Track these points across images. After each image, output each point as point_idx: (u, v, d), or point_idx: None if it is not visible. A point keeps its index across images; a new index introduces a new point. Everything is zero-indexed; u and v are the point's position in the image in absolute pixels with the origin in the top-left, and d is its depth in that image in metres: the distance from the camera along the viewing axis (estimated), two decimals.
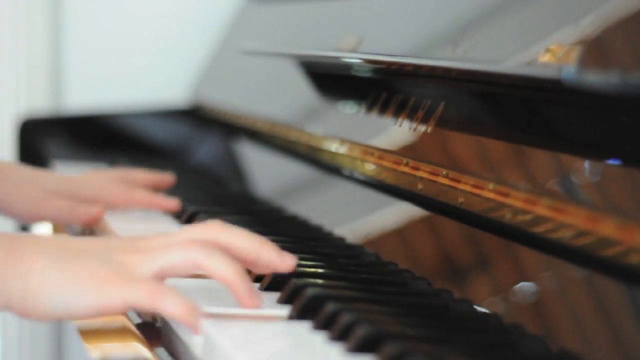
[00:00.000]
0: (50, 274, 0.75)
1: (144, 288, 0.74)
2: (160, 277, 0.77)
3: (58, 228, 1.27)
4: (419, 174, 0.93)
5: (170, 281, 0.79)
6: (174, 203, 1.17)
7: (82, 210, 1.12)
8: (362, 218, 1.06)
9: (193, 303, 0.74)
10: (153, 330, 0.84)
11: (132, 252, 0.77)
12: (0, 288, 0.75)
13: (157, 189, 1.24)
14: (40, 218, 1.14)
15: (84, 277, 0.75)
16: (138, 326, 0.83)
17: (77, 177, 1.21)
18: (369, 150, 1.05)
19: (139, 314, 0.87)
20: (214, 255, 0.76)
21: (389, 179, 1.00)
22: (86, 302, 0.75)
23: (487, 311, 0.79)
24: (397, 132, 1.01)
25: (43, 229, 1.33)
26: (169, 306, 0.73)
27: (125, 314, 0.82)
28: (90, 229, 1.18)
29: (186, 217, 1.13)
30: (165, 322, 0.82)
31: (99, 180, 1.20)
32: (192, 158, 1.68)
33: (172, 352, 0.81)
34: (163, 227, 1.12)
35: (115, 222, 1.12)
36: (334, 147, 1.14)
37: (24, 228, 1.53)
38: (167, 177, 1.27)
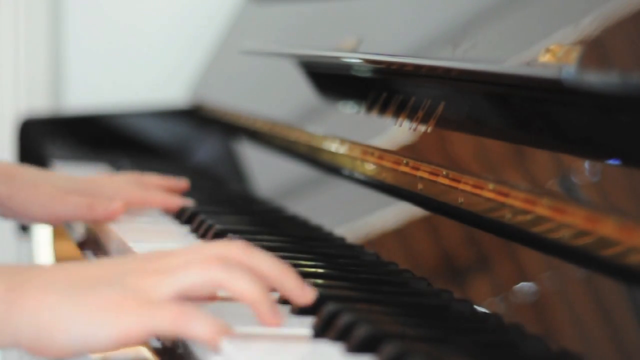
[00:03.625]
0: (62, 308, 0.69)
1: (166, 312, 0.68)
2: (181, 298, 0.71)
3: (58, 231, 1.26)
4: (419, 174, 0.93)
5: None
6: (190, 202, 1.16)
7: (101, 205, 1.08)
8: (362, 218, 1.06)
9: (220, 321, 0.69)
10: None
11: (148, 274, 0.71)
12: (3, 328, 0.69)
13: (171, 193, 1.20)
14: (57, 217, 1.09)
15: (101, 307, 0.69)
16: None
17: (91, 178, 1.18)
18: (369, 150, 1.05)
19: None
20: (236, 273, 0.71)
21: (388, 179, 1.00)
22: (105, 333, 0.69)
23: (487, 311, 0.79)
24: (397, 132, 1.01)
25: (43, 232, 1.32)
26: (196, 329, 0.68)
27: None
28: (92, 230, 1.16)
29: (186, 217, 1.13)
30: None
31: (115, 181, 1.17)
32: (192, 158, 1.68)
33: None
34: (165, 227, 1.12)
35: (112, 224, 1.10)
36: (334, 147, 1.14)
37: (24, 228, 1.53)
38: (182, 183, 1.23)
